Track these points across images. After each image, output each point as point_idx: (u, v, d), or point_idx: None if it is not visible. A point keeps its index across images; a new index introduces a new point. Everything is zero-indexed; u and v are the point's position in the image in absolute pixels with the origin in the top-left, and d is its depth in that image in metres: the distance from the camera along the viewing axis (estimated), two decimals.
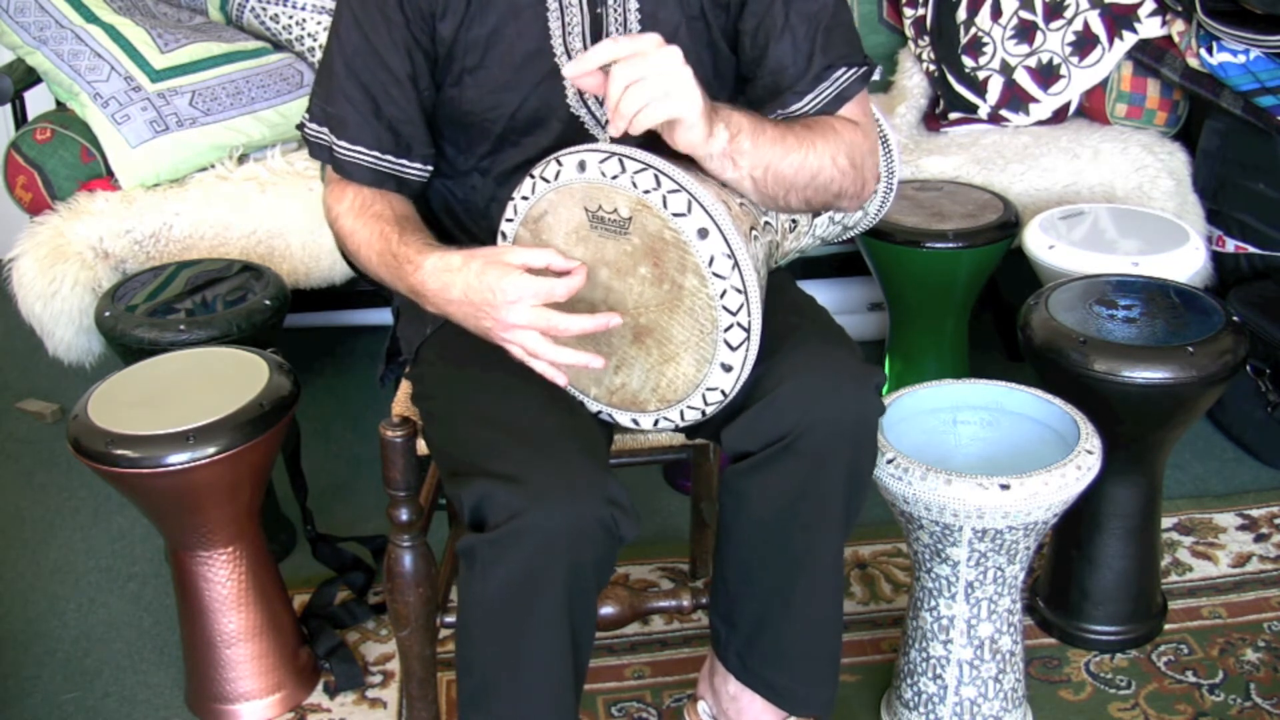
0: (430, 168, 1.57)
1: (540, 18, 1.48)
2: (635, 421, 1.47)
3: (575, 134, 1.53)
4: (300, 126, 1.58)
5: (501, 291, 1.34)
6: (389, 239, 1.47)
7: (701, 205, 1.31)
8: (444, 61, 1.51)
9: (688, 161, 1.40)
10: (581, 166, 1.35)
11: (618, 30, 1.50)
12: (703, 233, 1.31)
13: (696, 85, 1.32)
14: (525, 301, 1.34)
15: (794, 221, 1.52)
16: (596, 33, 1.49)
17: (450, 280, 1.39)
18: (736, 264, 1.32)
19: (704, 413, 1.42)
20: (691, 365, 1.38)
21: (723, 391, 1.39)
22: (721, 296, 1.32)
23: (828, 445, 1.43)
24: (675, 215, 1.32)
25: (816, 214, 1.61)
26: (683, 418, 1.43)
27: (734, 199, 1.40)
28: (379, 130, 1.52)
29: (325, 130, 1.54)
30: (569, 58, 1.49)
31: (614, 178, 1.34)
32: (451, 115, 1.55)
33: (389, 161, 1.53)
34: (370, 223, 1.50)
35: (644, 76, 1.29)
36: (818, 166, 1.46)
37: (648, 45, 1.30)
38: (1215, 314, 1.88)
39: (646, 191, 1.32)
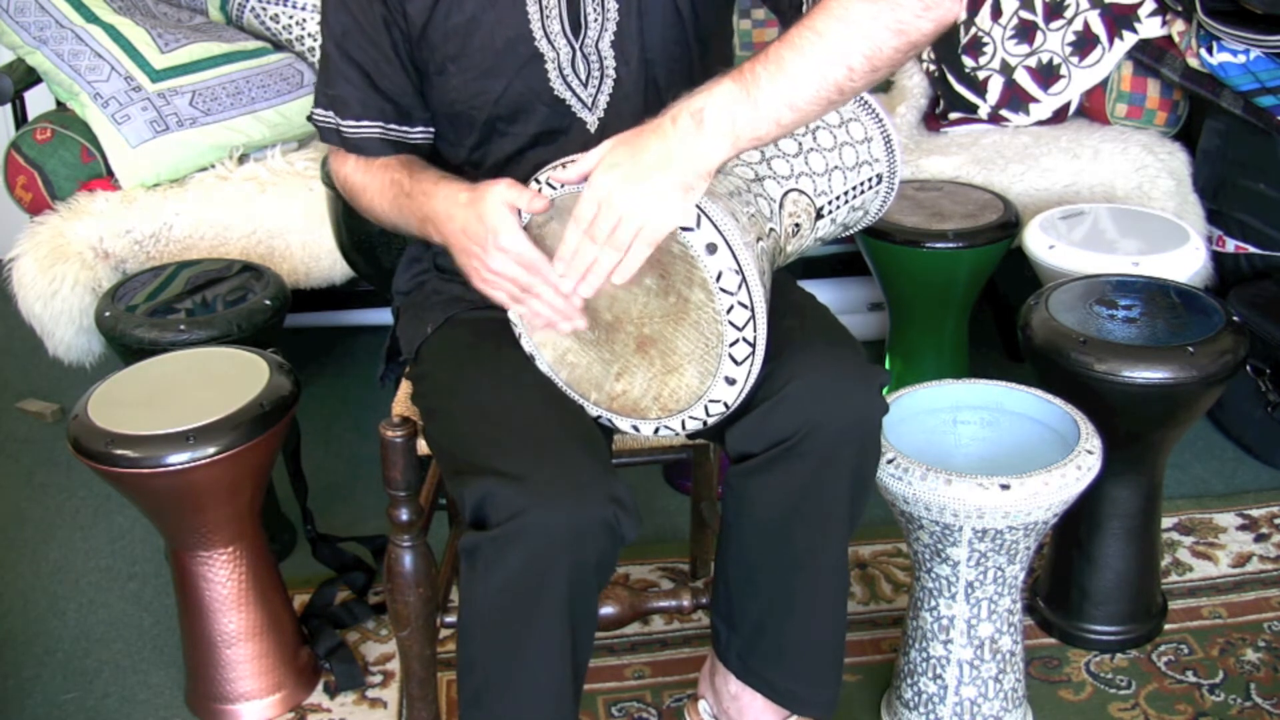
0: (432, 130, 1.61)
1: (518, 3, 1.49)
2: (635, 428, 1.46)
3: (562, 118, 1.53)
4: (309, 117, 1.62)
5: (494, 236, 1.37)
6: (400, 183, 1.53)
7: (710, 219, 1.30)
8: (420, 45, 1.53)
9: None
10: None
11: (595, 11, 1.50)
12: (711, 248, 1.30)
13: (661, 173, 1.28)
14: (510, 255, 1.37)
15: (797, 225, 1.52)
16: (574, 15, 1.50)
17: (454, 212, 1.43)
18: (744, 280, 1.31)
19: (705, 423, 1.42)
20: (695, 377, 1.38)
21: (725, 404, 1.38)
22: (728, 312, 1.32)
23: (833, 446, 1.42)
24: (684, 229, 1.31)
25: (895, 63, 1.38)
26: (683, 426, 1.43)
27: (743, 210, 1.39)
28: (380, 103, 1.56)
29: (330, 114, 1.58)
30: (549, 41, 1.50)
31: None
32: (438, 106, 1.57)
33: (394, 130, 1.58)
34: (379, 173, 1.57)
35: (615, 225, 1.28)
36: (844, 45, 1.28)
37: (598, 194, 1.29)
38: (1215, 314, 1.88)
39: None
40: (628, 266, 1.31)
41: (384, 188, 1.55)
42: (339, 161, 1.62)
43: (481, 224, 1.38)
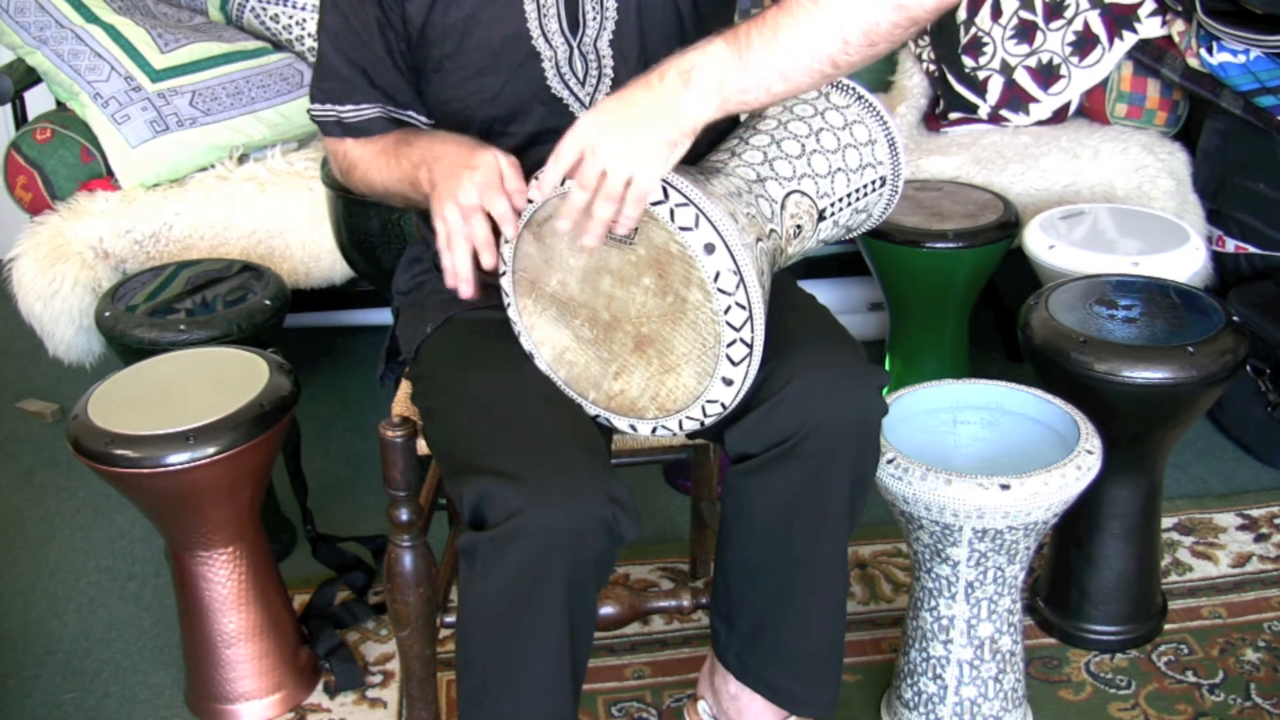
0: (432, 122, 1.61)
1: (516, 1, 1.49)
2: (633, 427, 1.46)
3: (560, 118, 1.53)
4: (308, 111, 1.62)
5: (471, 172, 1.38)
6: (405, 136, 1.55)
7: (709, 220, 1.31)
8: (419, 44, 1.53)
9: (697, 171, 1.39)
10: None
11: (594, 10, 1.50)
12: (709, 248, 1.31)
13: (647, 124, 1.28)
14: (475, 190, 1.38)
15: (798, 227, 1.52)
16: (572, 14, 1.50)
17: (450, 150, 1.44)
18: (742, 280, 1.31)
19: (702, 423, 1.42)
20: (692, 377, 1.38)
21: (722, 404, 1.39)
22: (726, 312, 1.32)
23: (832, 446, 1.42)
24: (682, 229, 1.31)
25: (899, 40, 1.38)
26: (681, 426, 1.43)
27: (743, 211, 1.39)
28: (377, 95, 1.57)
29: (328, 106, 1.59)
30: (546, 40, 1.50)
31: None
32: (435, 104, 1.58)
33: (396, 111, 1.58)
34: (380, 139, 1.57)
35: (603, 172, 1.29)
36: (842, 17, 1.29)
37: (582, 139, 1.29)
38: (1215, 314, 1.88)
39: (654, 204, 1.32)
40: (626, 220, 1.31)
41: (387, 143, 1.55)
42: (337, 140, 1.62)
43: (467, 162, 1.40)
